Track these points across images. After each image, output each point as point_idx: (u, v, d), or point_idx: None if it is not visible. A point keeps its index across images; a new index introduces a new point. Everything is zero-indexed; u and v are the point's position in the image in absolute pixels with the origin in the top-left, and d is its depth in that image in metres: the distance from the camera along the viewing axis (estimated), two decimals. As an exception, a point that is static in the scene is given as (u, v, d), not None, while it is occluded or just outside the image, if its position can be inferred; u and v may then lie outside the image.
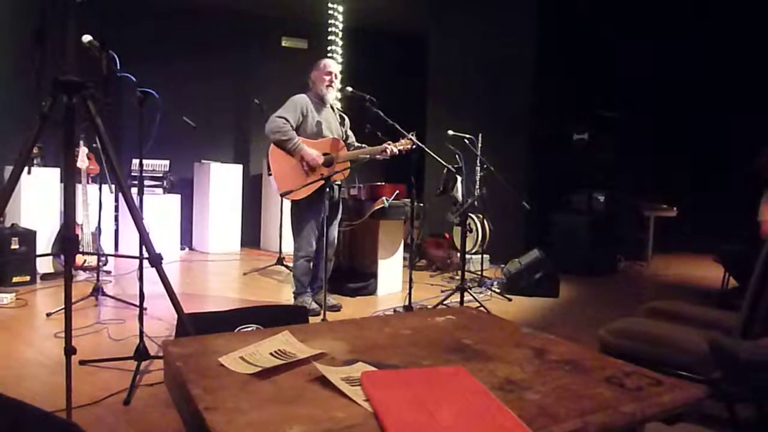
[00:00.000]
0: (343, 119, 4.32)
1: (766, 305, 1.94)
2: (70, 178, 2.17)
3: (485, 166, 5.30)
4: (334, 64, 4.20)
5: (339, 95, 6.53)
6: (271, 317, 2.49)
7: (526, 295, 5.00)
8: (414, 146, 4.03)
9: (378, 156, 4.09)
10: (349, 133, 4.35)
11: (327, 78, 4.10)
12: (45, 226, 4.98)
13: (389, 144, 4.02)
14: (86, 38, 2.52)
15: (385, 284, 4.91)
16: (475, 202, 5.32)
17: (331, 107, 4.25)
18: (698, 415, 1.85)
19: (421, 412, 1.10)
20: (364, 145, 4.26)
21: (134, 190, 3.73)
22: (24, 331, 3.62)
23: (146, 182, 5.98)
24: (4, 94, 5.40)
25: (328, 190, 3.74)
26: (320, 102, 4.15)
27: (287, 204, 4.76)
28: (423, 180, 6.71)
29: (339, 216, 4.31)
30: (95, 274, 4.38)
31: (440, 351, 1.49)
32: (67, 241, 2.15)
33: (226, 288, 5.15)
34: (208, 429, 1.03)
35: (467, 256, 5.00)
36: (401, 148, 4.03)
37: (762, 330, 1.93)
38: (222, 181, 6.77)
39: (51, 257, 4.97)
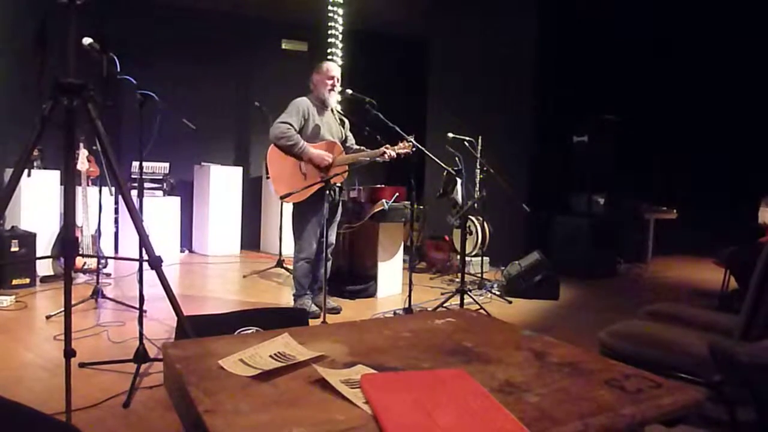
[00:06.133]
0: (343, 122, 4.33)
1: (767, 308, 1.94)
2: (70, 181, 2.17)
3: (485, 168, 5.30)
4: (336, 68, 4.20)
5: (339, 98, 6.55)
6: (270, 320, 2.49)
7: (526, 297, 4.99)
8: (414, 149, 4.02)
9: (378, 159, 4.09)
10: (349, 135, 4.35)
11: (329, 82, 4.10)
12: (45, 229, 4.98)
13: (387, 147, 4.02)
14: (86, 41, 2.52)
15: (385, 287, 4.91)
16: (475, 205, 5.32)
17: (332, 110, 4.26)
18: (699, 417, 1.85)
19: (421, 415, 1.10)
20: (363, 148, 4.27)
21: (134, 193, 3.73)
22: (23, 334, 3.62)
23: (146, 185, 5.98)
24: (4, 96, 5.41)
25: (328, 192, 3.74)
26: (321, 105, 4.15)
27: (287, 206, 4.76)
28: (423, 182, 6.71)
29: (338, 218, 4.32)
30: (95, 277, 4.37)
31: (440, 353, 1.49)
32: (67, 244, 2.16)
33: (226, 290, 5.14)
34: (208, 431, 1.03)
35: (467, 259, 4.99)
36: (400, 151, 4.03)
37: (762, 332, 1.93)
38: (222, 184, 6.77)
39: (51, 260, 4.97)
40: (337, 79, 4.14)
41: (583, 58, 6.38)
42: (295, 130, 3.97)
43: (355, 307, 4.52)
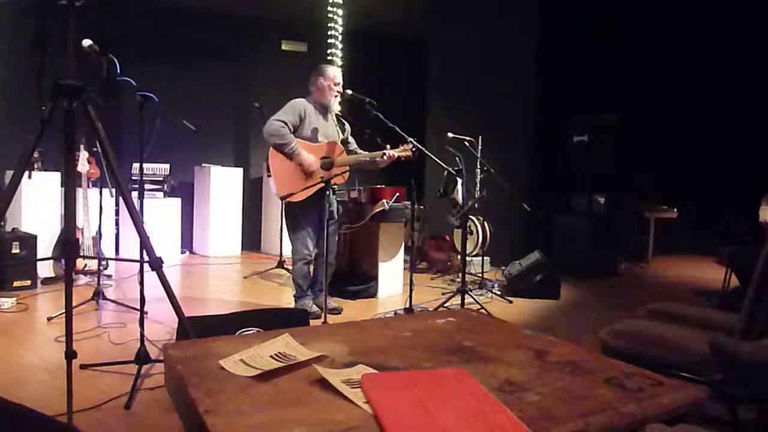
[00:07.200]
0: (344, 125, 4.32)
1: (767, 306, 1.94)
2: (70, 183, 2.18)
3: (485, 168, 5.30)
4: (340, 74, 4.19)
5: (339, 99, 6.55)
6: (271, 320, 2.49)
7: (526, 297, 4.99)
8: (415, 151, 4.01)
9: (378, 160, 4.08)
10: (351, 139, 4.35)
11: (336, 88, 4.10)
12: (46, 231, 4.98)
13: (388, 149, 4.01)
14: (86, 42, 2.52)
15: (386, 287, 4.91)
16: (476, 204, 5.32)
17: (330, 113, 4.25)
18: (699, 416, 1.85)
19: (422, 414, 1.10)
20: (365, 153, 4.26)
21: (135, 194, 3.74)
22: (25, 336, 3.62)
23: (147, 186, 5.99)
24: (4, 98, 5.41)
25: (328, 193, 3.74)
26: (322, 108, 4.14)
27: (287, 207, 4.75)
28: (423, 182, 6.71)
29: (335, 218, 4.29)
30: (96, 278, 4.38)
31: (441, 353, 1.49)
32: (67, 245, 2.16)
33: (227, 291, 5.14)
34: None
35: (468, 259, 4.99)
36: (401, 154, 4.03)
37: (763, 331, 1.93)
38: (222, 185, 6.77)
39: (52, 261, 4.97)
40: (342, 85, 4.15)
41: (583, 57, 6.38)
42: (289, 129, 3.97)
43: (355, 307, 4.52)
